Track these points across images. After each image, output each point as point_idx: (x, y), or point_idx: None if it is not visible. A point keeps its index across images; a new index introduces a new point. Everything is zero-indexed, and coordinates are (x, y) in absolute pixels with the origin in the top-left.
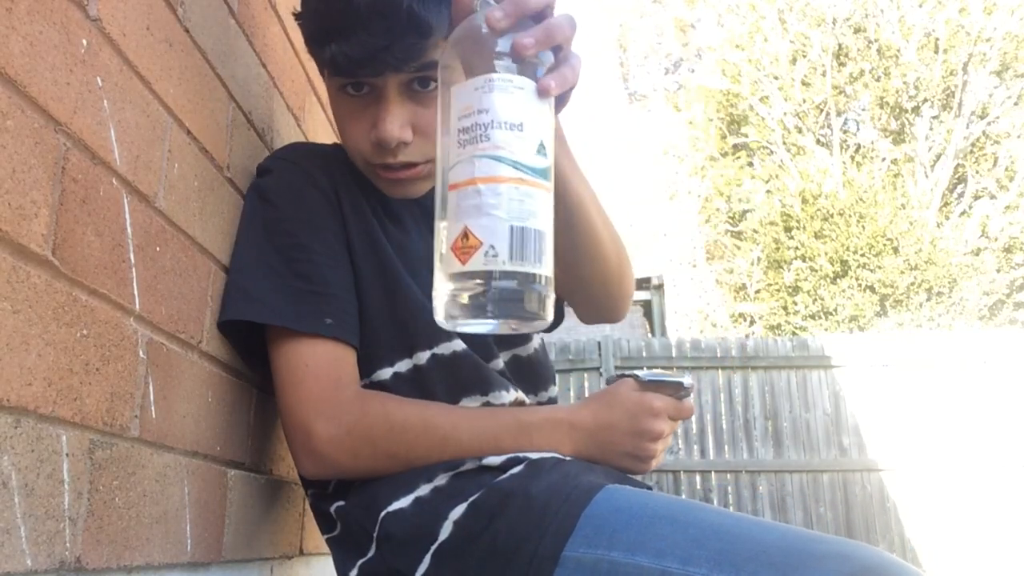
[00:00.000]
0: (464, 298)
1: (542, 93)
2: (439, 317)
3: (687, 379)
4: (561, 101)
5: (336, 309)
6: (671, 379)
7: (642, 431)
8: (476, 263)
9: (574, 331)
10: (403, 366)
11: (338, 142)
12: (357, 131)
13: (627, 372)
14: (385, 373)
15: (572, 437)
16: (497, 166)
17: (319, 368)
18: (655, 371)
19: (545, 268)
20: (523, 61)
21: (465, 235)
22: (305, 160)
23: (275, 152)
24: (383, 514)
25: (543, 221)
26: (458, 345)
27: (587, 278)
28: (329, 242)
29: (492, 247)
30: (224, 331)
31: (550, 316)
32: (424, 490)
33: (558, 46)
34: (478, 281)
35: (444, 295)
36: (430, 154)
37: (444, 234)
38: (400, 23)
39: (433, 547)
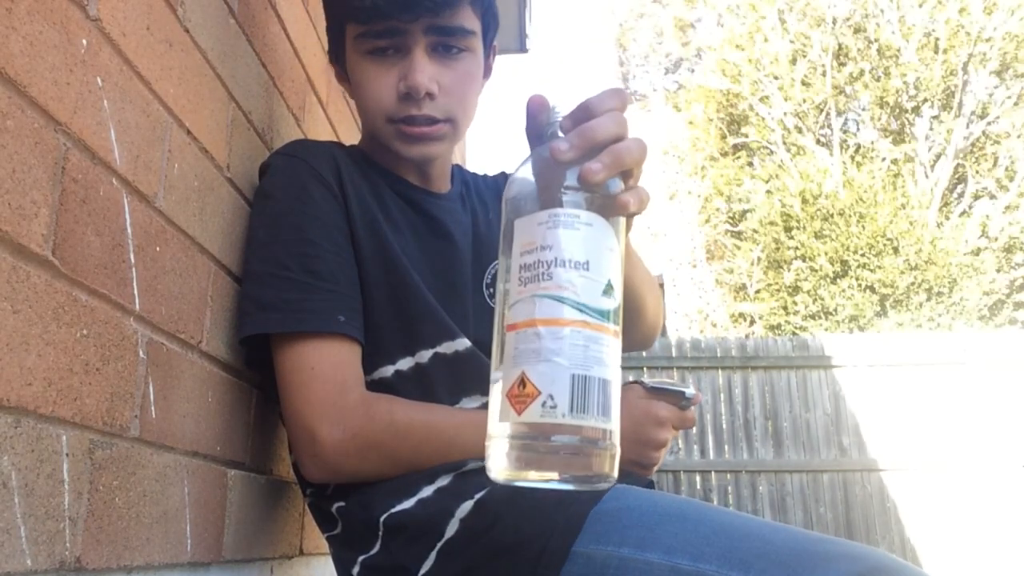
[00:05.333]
0: (518, 451)
1: (620, 209)
2: (492, 472)
3: (690, 389)
4: (628, 229)
5: (347, 307)
6: (675, 388)
7: (647, 440)
8: (532, 414)
9: None
10: (405, 364)
11: (340, 141)
12: (381, 88)
13: (632, 380)
14: (387, 371)
15: None
16: (559, 307)
17: (324, 371)
18: (659, 380)
19: (611, 422)
20: (592, 192)
21: (522, 382)
22: (307, 154)
23: (276, 149)
24: (386, 515)
25: (609, 369)
26: (461, 345)
27: (628, 332)
28: (335, 238)
29: (551, 397)
30: (243, 344)
31: (615, 475)
32: (427, 491)
33: (628, 172)
34: (534, 435)
35: (498, 446)
36: (451, 112)
37: (500, 380)
38: None
39: (439, 544)
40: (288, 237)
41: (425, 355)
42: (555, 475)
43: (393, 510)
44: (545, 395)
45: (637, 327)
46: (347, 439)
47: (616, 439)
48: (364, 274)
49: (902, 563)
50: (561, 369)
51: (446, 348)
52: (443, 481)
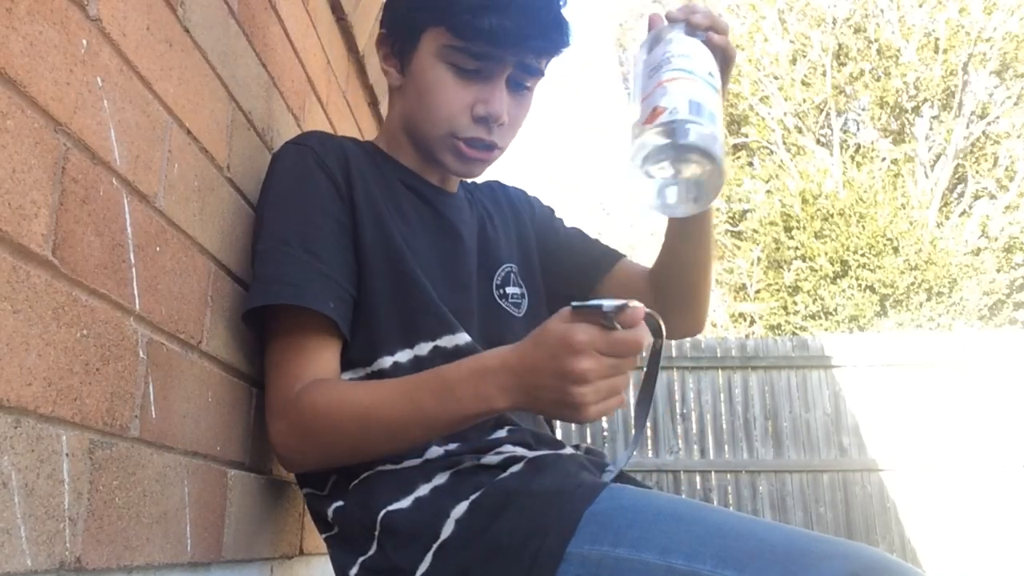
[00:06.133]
0: (648, 145)
1: (696, 27)
2: (631, 166)
3: (611, 301)
4: (724, 80)
5: (337, 296)
6: (594, 303)
7: (564, 372)
8: (660, 120)
9: None
10: (403, 356)
11: (354, 136)
12: (455, 103)
13: (583, 304)
14: (386, 362)
15: (500, 385)
16: (678, 72)
17: (291, 364)
18: (613, 300)
19: (718, 128)
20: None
21: (653, 110)
22: (316, 144)
23: (290, 139)
24: (383, 513)
25: (716, 108)
26: (461, 339)
27: (693, 291)
28: (334, 227)
29: (675, 109)
30: (247, 324)
31: (723, 167)
32: (423, 490)
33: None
34: (659, 128)
35: (631, 152)
36: (506, 142)
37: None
38: (551, 20)
39: (435, 545)
40: (290, 218)
41: (424, 348)
42: (675, 161)
43: (389, 508)
44: (670, 109)
45: (692, 307)
46: (287, 432)
47: (720, 140)
48: (366, 265)
49: (897, 562)
50: (681, 96)
51: (446, 342)
52: (440, 479)
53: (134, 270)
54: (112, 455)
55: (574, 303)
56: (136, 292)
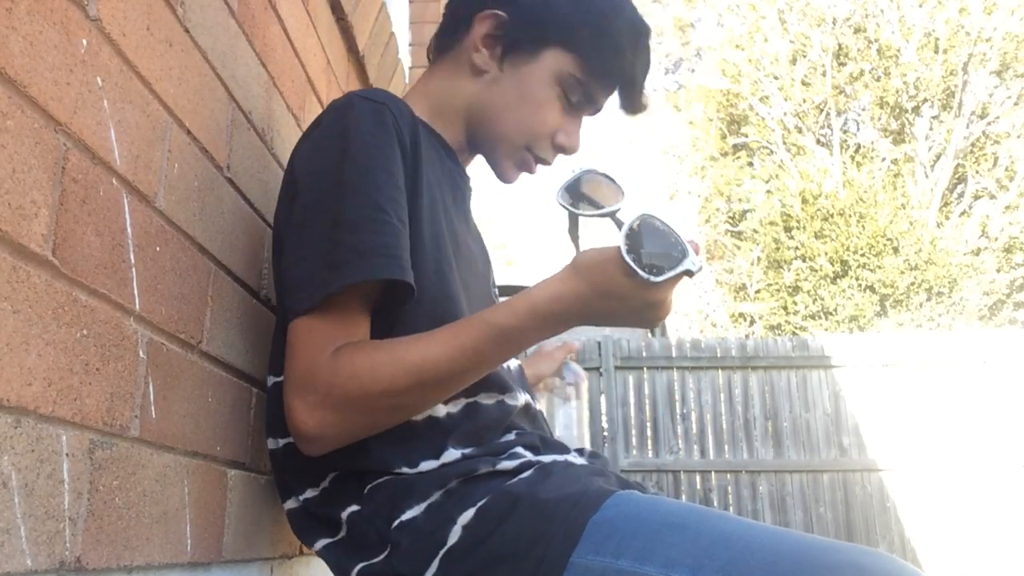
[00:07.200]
0: None
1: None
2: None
3: (690, 259)
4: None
5: (403, 251)
6: (677, 269)
7: (651, 319)
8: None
9: (575, 331)
10: None
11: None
12: (547, 122)
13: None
14: None
15: (566, 323)
16: None
17: (319, 333)
18: (652, 249)
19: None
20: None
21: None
22: (392, 104)
23: (356, 91)
24: (396, 523)
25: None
26: None
27: None
28: (404, 198)
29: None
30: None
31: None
32: (436, 496)
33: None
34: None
35: None
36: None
37: None
38: (644, 83)
39: (441, 552)
40: (383, 181)
41: None
42: None
43: (403, 518)
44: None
45: None
46: (318, 404)
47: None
48: (416, 245)
49: (909, 569)
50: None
51: None
52: (452, 484)
53: (134, 270)
54: (112, 455)
55: (642, 273)
56: (136, 292)
